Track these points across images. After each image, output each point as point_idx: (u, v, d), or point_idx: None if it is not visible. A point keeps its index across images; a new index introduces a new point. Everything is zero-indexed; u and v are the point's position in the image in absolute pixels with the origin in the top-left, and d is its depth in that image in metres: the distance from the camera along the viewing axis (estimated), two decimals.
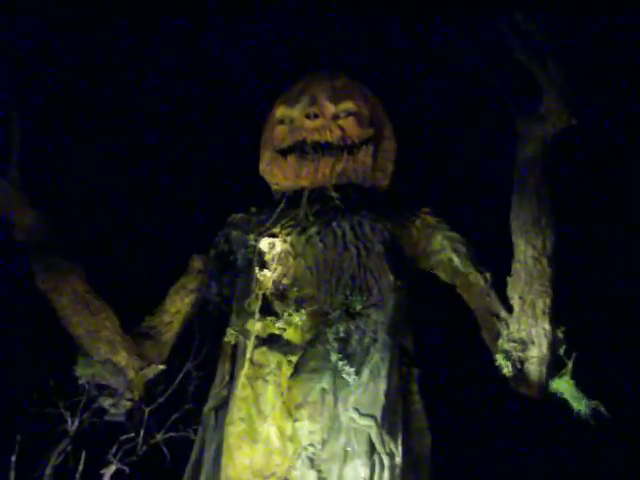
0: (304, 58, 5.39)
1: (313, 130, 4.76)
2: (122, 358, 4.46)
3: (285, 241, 4.54)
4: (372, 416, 4.06)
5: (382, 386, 4.13)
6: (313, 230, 4.56)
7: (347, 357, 4.17)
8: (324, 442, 4.05)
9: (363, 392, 4.12)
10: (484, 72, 4.29)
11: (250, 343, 4.31)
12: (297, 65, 5.31)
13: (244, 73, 5.96)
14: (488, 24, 4.33)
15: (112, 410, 4.48)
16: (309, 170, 4.73)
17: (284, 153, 4.83)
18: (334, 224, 4.57)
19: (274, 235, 4.59)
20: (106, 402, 4.46)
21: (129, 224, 5.02)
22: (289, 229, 4.60)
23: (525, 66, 4.23)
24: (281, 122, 4.91)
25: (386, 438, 4.06)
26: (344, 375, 4.11)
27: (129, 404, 4.50)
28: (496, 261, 4.44)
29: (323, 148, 4.74)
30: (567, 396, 4.11)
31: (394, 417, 4.16)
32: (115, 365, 4.44)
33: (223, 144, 5.83)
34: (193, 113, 5.90)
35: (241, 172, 5.37)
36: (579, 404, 4.08)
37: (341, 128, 4.79)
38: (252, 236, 4.66)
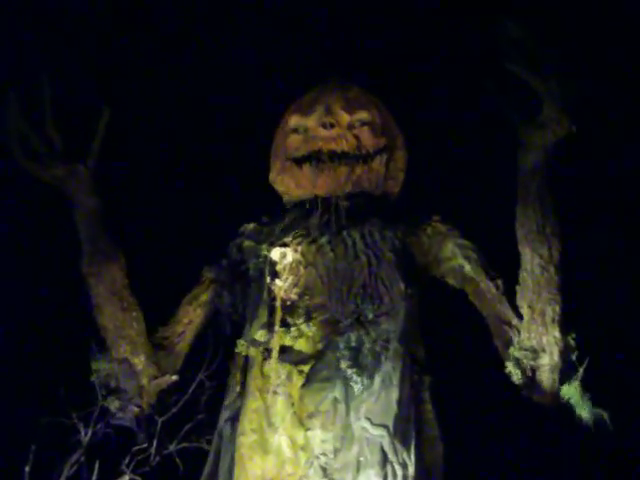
0: (313, 67, 5.55)
1: (329, 139, 4.87)
2: (140, 362, 4.59)
3: (296, 251, 4.63)
4: (384, 425, 4.13)
5: (394, 395, 4.20)
6: (324, 239, 4.65)
7: (358, 366, 4.25)
8: (336, 451, 4.13)
9: (375, 401, 4.19)
10: (484, 81, 4.38)
11: (261, 354, 4.41)
12: (306, 75, 5.48)
13: (254, 79, 6.09)
14: (483, 32, 4.44)
15: (119, 414, 4.58)
16: (325, 179, 4.83)
17: (299, 162, 4.93)
18: (344, 233, 4.67)
19: (285, 245, 4.68)
20: (113, 404, 4.55)
21: (140, 235, 5.16)
22: (300, 239, 4.69)
23: (522, 75, 4.31)
24: (295, 131, 5.02)
25: (399, 447, 4.12)
26: (352, 384, 4.20)
27: (137, 410, 4.59)
28: (508, 268, 4.50)
29: (339, 157, 4.85)
30: (573, 402, 4.20)
31: (407, 426, 4.22)
32: (131, 367, 4.57)
33: (233, 153, 5.94)
34: (203, 121, 6.00)
35: (253, 182, 5.47)
36: (583, 410, 4.17)
37: (356, 137, 4.91)
38: (264, 246, 4.76)
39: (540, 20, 4.26)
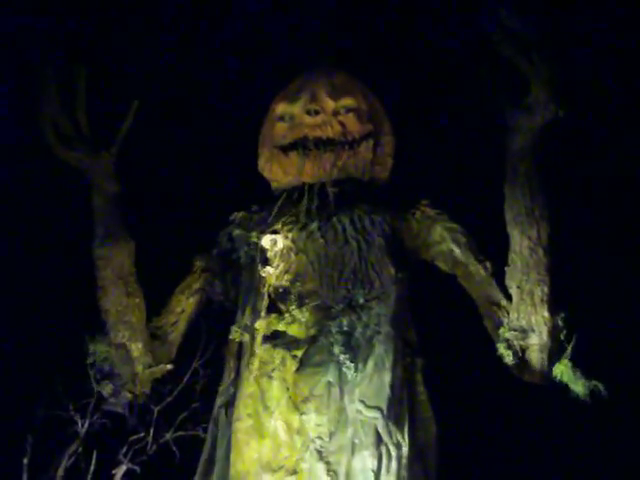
0: (302, 54, 5.59)
1: (314, 126, 4.97)
2: (137, 349, 4.69)
3: (287, 237, 4.73)
4: (378, 408, 4.27)
5: (387, 378, 4.33)
6: (314, 226, 4.76)
7: (351, 350, 4.38)
8: (331, 434, 4.26)
9: (368, 384, 4.32)
10: (475, 65, 4.51)
11: (253, 340, 4.51)
12: (295, 61, 5.54)
13: (242, 69, 6.16)
14: (472, 18, 4.53)
15: (112, 400, 4.68)
16: (312, 166, 4.93)
17: (285, 150, 5.02)
18: (334, 219, 4.77)
19: (276, 232, 4.78)
20: (106, 389, 4.66)
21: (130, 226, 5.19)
22: (290, 225, 4.79)
23: (511, 59, 4.40)
24: (281, 119, 5.11)
25: (392, 429, 4.25)
26: (344, 369, 4.32)
27: (129, 396, 4.68)
28: (496, 250, 4.60)
29: (325, 144, 4.95)
30: (566, 379, 4.30)
31: (400, 408, 4.35)
32: (128, 353, 4.67)
33: (221, 142, 5.99)
34: (191, 109, 6.09)
35: (242, 170, 5.54)
36: (578, 386, 4.27)
37: (341, 124, 5.00)
38: (254, 234, 4.86)
39: (532, 5, 4.36)
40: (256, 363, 4.45)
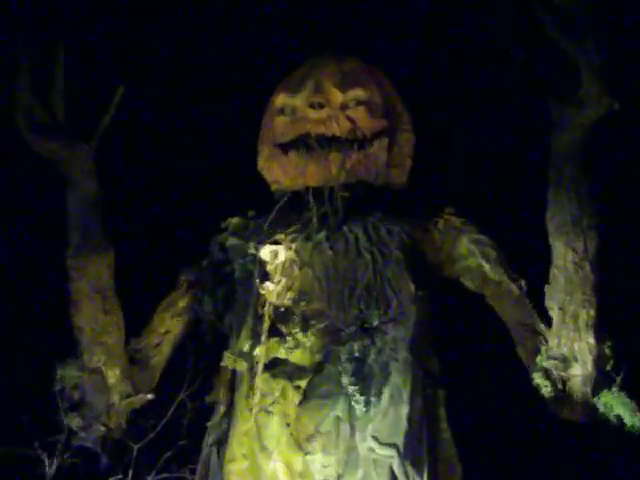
0: (311, 41, 5.36)
1: (318, 122, 4.69)
2: (113, 375, 4.46)
3: (290, 248, 4.50)
4: (393, 445, 4.07)
5: (404, 411, 4.14)
6: (321, 235, 4.51)
7: (363, 380, 4.15)
8: (339, 477, 4.05)
9: (382, 419, 4.12)
10: (513, 50, 4.18)
11: (251, 369, 4.29)
12: (301, 49, 5.27)
13: (241, 56, 5.96)
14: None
15: (82, 434, 4.44)
16: (315, 167, 4.66)
17: (285, 148, 4.76)
18: (345, 228, 4.52)
19: (277, 242, 4.55)
20: (75, 421, 4.42)
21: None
22: (294, 235, 4.55)
23: (560, 45, 4.12)
24: (281, 112, 4.84)
25: (410, 470, 4.06)
26: (353, 403, 4.10)
27: (103, 430, 4.45)
28: (531, 267, 4.42)
29: (330, 142, 4.68)
30: (618, 411, 4.07)
31: (418, 446, 4.16)
32: (103, 380, 4.44)
33: (216, 136, 5.88)
34: (184, 96, 5.94)
35: (239, 170, 5.36)
36: (633, 418, 4.06)
37: (350, 119, 4.72)
38: (251, 244, 4.62)
39: None
40: (257, 397, 4.22)
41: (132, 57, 5.43)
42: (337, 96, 4.72)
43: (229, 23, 5.93)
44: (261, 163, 4.97)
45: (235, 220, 4.87)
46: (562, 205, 4.18)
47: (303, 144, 4.68)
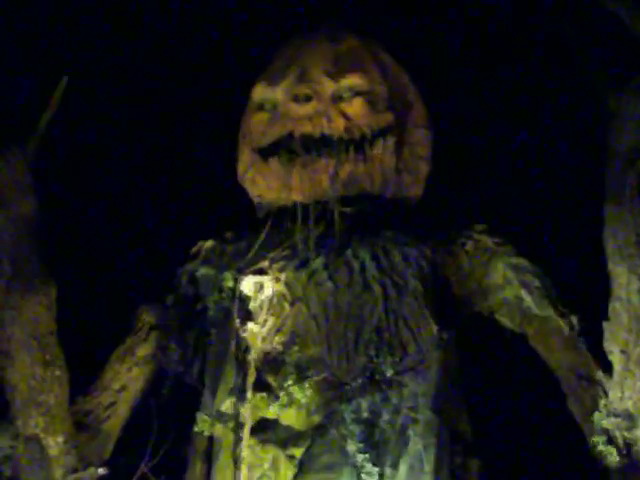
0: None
1: (303, 119, 4.63)
2: (55, 444, 4.36)
3: (278, 280, 4.44)
4: None
5: None
6: (318, 262, 4.46)
7: (374, 447, 4.10)
8: None
9: None
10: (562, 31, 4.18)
11: (235, 433, 4.24)
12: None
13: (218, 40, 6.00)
14: None
15: None
16: (299, 178, 4.62)
17: (265, 154, 4.71)
18: (348, 253, 4.47)
19: (261, 271, 4.49)
20: None
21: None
22: (283, 262, 4.50)
23: (619, 18, 4.07)
24: (261, 109, 4.80)
25: None
26: (363, 476, 4.05)
27: None
28: (585, 300, 4.35)
29: (318, 145, 4.62)
30: None
31: None
32: (42, 450, 4.34)
33: (187, 137, 5.90)
34: (141, 88, 5.95)
35: (214, 182, 5.39)
36: None
37: (344, 114, 4.66)
38: (228, 274, 4.57)
39: None
40: (243, 471, 4.14)
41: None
42: (327, 85, 4.67)
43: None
44: (241, 172, 4.93)
45: (208, 244, 4.84)
46: (624, 221, 4.12)
47: (285, 148, 4.65)
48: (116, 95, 5.87)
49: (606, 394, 4.13)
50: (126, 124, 5.92)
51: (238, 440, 4.26)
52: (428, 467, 4.11)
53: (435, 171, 4.97)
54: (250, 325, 4.37)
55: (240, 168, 4.94)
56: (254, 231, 4.74)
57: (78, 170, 5.64)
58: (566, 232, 4.84)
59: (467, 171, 5.44)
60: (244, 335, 4.36)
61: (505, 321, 4.57)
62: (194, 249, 4.87)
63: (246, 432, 4.21)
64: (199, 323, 4.71)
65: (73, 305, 4.71)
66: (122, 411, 4.63)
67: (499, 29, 5.43)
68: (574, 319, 4.39)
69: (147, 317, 4.75)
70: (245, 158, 4.87)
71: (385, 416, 4.19)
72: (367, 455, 4.09)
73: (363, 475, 4.08)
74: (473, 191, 5.34)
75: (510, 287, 4.52)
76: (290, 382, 4.21)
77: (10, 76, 4.62)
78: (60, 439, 4.36)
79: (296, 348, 4.30)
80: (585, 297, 4.42)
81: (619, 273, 4.12)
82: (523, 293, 4.48)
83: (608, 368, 4.16)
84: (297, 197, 4.67)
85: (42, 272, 4.42)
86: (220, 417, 4.34)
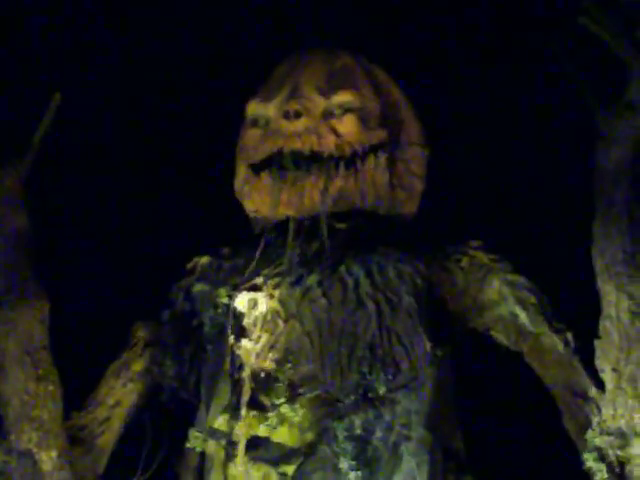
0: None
1: (293, 135, 4.64)
2: (49, 459, 4.35)
3: (272, 296, 4.46)
4: None
5: None
6: (312, 279, 4.45)
7: (367, 464, 4.11)
8: None
9: None
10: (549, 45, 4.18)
11: (226, 451, 4.26)
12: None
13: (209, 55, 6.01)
14: None
15: None
16: (289, 194, 4.63)
17: (257, 169, 4.74)
18: (342, 269, 4.46)
19: (256, 288, 4.51)
20: None
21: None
22: (277, 279, 4.51)
23: (606, 40, 4.11)
24: (254, 124, 4.82)
25: None
26: None
27: None
28: (582, 317, 4.32)
29: (308, 161, 4.63)
30: None
31: None
32: (35, 465, 4.34)
33: (182, 149, 5.92)
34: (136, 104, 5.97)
35: (211, 196, 5.43)
36: None
37: (335, 131, 4.66)
38: (223, 290, 4.59)
39: None
40: None
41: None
42: (318, 102, 4.68)
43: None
44: (237, 187, 4.95)
45: (204, 260, 4.84)
46: (612, 239, 4.12)
47: (276, 164, 4.65)
48: (111, 111, 5.84)
49: (599, 411, 4.11)
50: (123, 139, 5.88)
51: (229, 457, 4.25)
52: None
53: (430, 186, 4.94)
54: (244, 342, 4.39)
55: (237, 183, 4.94)
56: (251, 247, 4.71)
57: (73, 184, 5.61)
58: (560, 250, 4.84)
59: (462, 187, 5.42)
60: (238, 352, 4.38)
61: (500, 338, 4.54)
62: (190, 265, 4.87)
63: (241, 450, 4.21)
64: (195, 339, 4.69)
65: (67, 320, 4.71)
66: (116, 426, 4.65)
67: (494, 45, 5.40)
68: (569, 336, 4.38)
69: (142, 333, 4.76)
70: (241, 173, 4.88)
71: (378, 433, 4.17)
72: (360, 472, 4.08)
73: None
74: (468, 207, 5.33)
75: (505, 303, 4.50)
76: (282, 400, 4.22)
77: (2, 91, 4.67)
78: (54, 454, 4.35)
79: (289, 365, 4.29)
80: (581, 314, 4.37)
81: (608, 291, 4.11)
82: (518, 309, 4.47)
83: (601, 386, 4.13)
84: (288, 212, 4.68)
85: (35, 287, 4.42)
86: (213, 434, 4.34)
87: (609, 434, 4.04)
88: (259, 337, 4.38)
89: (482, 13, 5.37)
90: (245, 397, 4.27)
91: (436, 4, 5.62)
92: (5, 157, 4.46)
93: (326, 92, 4.68)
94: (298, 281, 4.47)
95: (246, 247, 4.77)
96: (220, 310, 4.58)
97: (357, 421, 4.17)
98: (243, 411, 4.25)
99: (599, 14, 4.09)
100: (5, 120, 4.56)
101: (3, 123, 4.52)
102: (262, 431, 4.22)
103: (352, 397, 4.21)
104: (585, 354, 4.28)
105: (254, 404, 4.26)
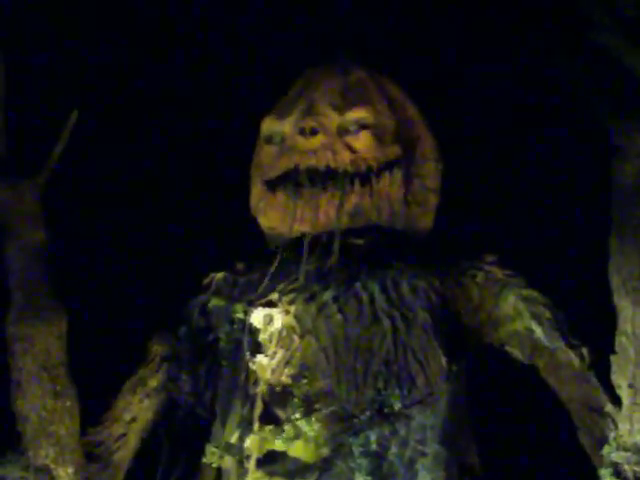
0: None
1: (309, 152, 4.67)
2: (65, 475, 4.41)
3: (287, 312, 4.46)
4: None
5: None
6: (327, 295, 4.47)
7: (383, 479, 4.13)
8: None
9: None
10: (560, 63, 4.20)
11: (241, 465, 4.26)
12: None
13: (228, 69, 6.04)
14: None
15: None
16: (304, 210, 4.67)
17: (273, 186, 4.78)
18: (357, 285, 4.48)
19: (271, 304, 4.52)
20: None
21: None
22: (292, 295, 4.52)
23: (616, 53, 4.10)
24: (269, 141, 4.87)
25: None
26: None
27: None
28: (597, 333, 4.33)
29: (324, 178, 4.67)
30: None
31: None
32: None
33: (199, 167, 5.94)
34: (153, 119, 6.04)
35: (227, 213, 5.44)
36: None
37: (350, 148, 4.70)
38: (239, 306, 4.61)
39: None
40: None
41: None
42: (333, 119, 4.71)
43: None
44: (253, 203, 4.98)
45: (220, 276, 4.86)
46: (628, 255, 4.12)
47: (292, 181, 4.68)
48: (129, 128, 5.87)
49: (616, 426, 4.12)
50: (140, 156, 5.89)
51: (244, 472, 4.25)
52: None
53: (445, 201, 4.96)
54: (260, 357, 4.41)
55: (253, 200, 4.97)
56: (266, 262, 4.74)
57: (89, 199, 5.67)
58: (577, 266, 4.86)
59: (477, 202, 5.44)
60: (253, 367, 4.40)
61: (516, 353, 4.53)
62: (206, 280, 4.89)
63: (252, 465, 4.22)
64: (211, 354, 4.68)
65: (84, 335, 4.74)
66: (132, 442, 4.68)
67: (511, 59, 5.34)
68: (585, 351, 4.37)
69: (159, 348, 4.77)
70: (257, 190, 4.92)
71: (393, 449, 4.19)
72: None
73: None
74: (483, 222, 5.33)
75: (521, 319, 4.50)
76: (298, 415, 4.24)
77: (22, 107, 4.65)
78: (70, 470, 4.40)
79: (304, 381, 4.32)
80: (597, 330, 4.37)
81: (624, 307, 4.11)
82: (533, 325, 4.46)
83: (617, 401, 4.13)
84: (303, 229, 4.70)
85: (53, 302, 4.46)
86: (229, 449, 4.35)
87: (626, 450, 4.03)
88: (275, 353, 4.40)
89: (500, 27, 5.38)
90: (257, 411, 4.29)
91: (450, 18, 5.67)
92: (24, 172, 4.51)
93: (341, 108, 4.73)
94: (313, 297, 4.49)
95: (261, 263, 4.79)
96: (236, 326, 4.59)
97: (372, 437, 4.19)
98: (255, 426, 4.27)
99: (613, 30, 4.09)
100: (24, 136, 4.59)
101: (22, 139, 4.56)
102: (278, 445, 4.23)
103: (367, 413, 4.23)
104: (601, 369, 4.26)
105: (270, 418, 4.28)
